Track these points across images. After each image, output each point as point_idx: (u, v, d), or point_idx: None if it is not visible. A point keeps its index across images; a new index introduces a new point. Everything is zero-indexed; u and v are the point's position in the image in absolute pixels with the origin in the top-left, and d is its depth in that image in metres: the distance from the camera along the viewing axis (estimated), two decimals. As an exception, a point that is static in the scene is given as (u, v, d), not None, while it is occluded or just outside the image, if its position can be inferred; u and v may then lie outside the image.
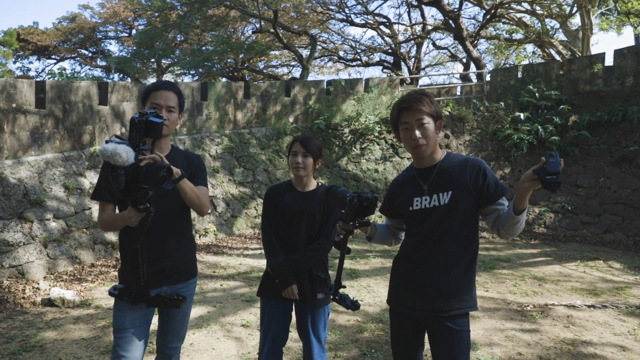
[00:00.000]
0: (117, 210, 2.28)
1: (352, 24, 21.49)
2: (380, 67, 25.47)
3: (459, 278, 2.06)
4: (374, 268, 7.13)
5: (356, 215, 2.05)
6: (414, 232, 2.16)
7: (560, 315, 5.11)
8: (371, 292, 5.86)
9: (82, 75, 20.49)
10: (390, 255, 8.24)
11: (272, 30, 17.37)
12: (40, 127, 7.52)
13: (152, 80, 24.30)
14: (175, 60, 22.57)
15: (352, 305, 2.19)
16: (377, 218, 9.41)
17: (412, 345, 2.19)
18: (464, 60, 22.63)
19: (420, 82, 24.07)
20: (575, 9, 16.35)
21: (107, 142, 1.85)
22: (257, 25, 18.79)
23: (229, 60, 22.85)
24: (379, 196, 2.07)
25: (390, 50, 23.56)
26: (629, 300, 5.75)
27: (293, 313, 2.77)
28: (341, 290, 2.25)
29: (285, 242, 2.70)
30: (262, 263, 7.23)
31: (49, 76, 19.70)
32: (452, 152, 2.18)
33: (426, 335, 2.17)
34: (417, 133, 2.06)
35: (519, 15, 19.11)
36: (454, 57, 24.96)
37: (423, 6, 20.88)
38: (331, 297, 2.25)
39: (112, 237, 7.39)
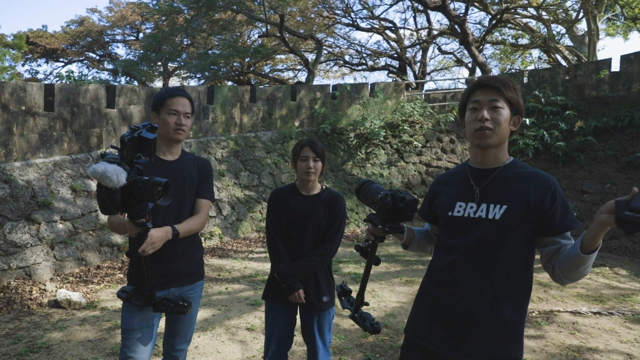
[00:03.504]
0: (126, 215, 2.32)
1: (358, 28, 21.54)
2: (386, 72, 25.52)
3: (507, 317, 1.66)
4: (379, 272, 7.13)
5: (388, 217, 1.74)
6: (451, 245, 1.75)
7: (566, 321, 5.09)
8: (375, 296, 5.86)
9: (90, 78, 20.66)
10: (395, 260, 8.22)
11: (278, 34, 17.46)
12: (48, 130, 7.59)
13: (158, 83, 24.47)
14: (182, 63, 22.71)
15: (372, 329, 1.88)
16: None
17: None
18: (470, 65, 22.64)
19: (426, 86, 24.07)
20: (581, 14, 16.32)
21: (103, 155, 1.82)
22: (264, 30, 18.88)
23: (235, 64, 22.96)
24: (419, 200, 1.74)
25: (395, 55, 23.61)
26: (635, 307, 5.71)
27: (297, 316, 2.78)
28: (363, 308, 1.98)
29: (290, 246, 2.70)
30: (267, 266, 7.24)
31: (57, 79, 19.87)
32: (520, 160, 1.81)
33: None
34: (486, 113, 1.68)
35: (525, 20, 19.10)
36: (459, 62, 24.97)
37: (429, 11, 20.92)
38: (350, 315, 1.97)
39: (118, 239, 7.44)
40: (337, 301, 2.62)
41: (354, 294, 2.09)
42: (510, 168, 1.74)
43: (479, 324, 1.65)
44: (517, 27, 19.90)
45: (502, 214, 1.65)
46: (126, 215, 1.98)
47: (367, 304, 1.99)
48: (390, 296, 5.97)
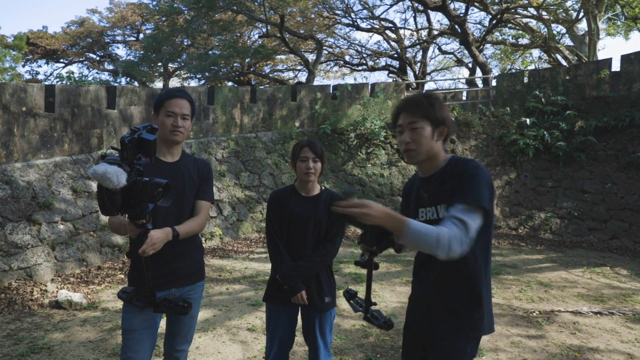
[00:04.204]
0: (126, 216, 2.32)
1: (358, 28, 21.54)
2: (386, 72, 25.52)
3: (456, 295, 1.90)
4: (379, 273, 7.13)
5: (379, 239, 1.88)
6: None
7: (567, 321, 5.09)
8: (376, 296, 5.86)
9: (90, 79, 20.66)
10: (395, 260, 8.24)
11: (278, 34, 17.47)
12: (49, 131, 7.60)
13: (159, 84, 24.49)
14: (182, 64, 22.73)
15: (385, 325, 2.03)
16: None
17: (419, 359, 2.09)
18: (470, 65, 22.62)
19: (426, 86, 24.07)
20: (581, 14, 16.32)
21: (103, 156, 1.82)
22: (264, 30, 18.89)
23: (235, 65, 22.98)
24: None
25: (396, 55, 23.61)
26: (636, 307, 5.71)
27: (299, 317, 2.78)
28: (372, 307, 2.13)
29: (292, 247, 2.70)
30: (268, 267, 7.25)
31: (58, 80, 19.89)
32: (457, 156, 1.99)
33: None
34: (407, 136, 1.89)
35: (525, 20, 19.10)
36: (459, 62, 24.96)
37: (429, 11, 20.92)
38: (363, 316, 2.11)
39: (119, 240, 7.44)
40: (337, 302, 2.63)
41: (360, 295, 2.23)
42: (447, 169, 1.91)
43: (437, 307, 1.93)
44: (517, 27, 19.90)
45: (444, 212, 1.84)
46: (126, 216, 1.98)
47: (375, 304, 2.13)
48: (391, 296, 5.97)
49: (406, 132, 1.90)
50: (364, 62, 24.93)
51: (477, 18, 38.79)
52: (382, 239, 1.88)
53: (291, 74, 27.32)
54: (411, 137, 1.89)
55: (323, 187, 2.84)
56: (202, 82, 22.93)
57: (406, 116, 1.91)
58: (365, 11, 21.71)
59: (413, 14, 22.97)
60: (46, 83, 16.24)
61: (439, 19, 32.49)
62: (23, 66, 24.69)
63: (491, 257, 1.96)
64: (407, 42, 23.49)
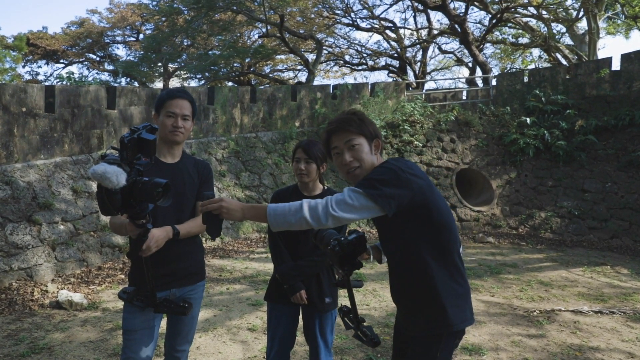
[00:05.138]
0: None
1: (358, 28, 21.53)
2: (386, 72, 25.50)
3: (412, 294, 1.94)
4: (380, 272, 7.13)
5: (342, 263, 1.93)
6: None
7: (567, 320, 5.09)
8: (377, 296, 5.86)
9: (90, 79, 20.65)
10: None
11: (278, 34, 17.46)
12: (49, 131, 7.60)
13: (159, 84, 24.50)
14: (182, 64, 22.73)
15: (371, 342, 2.06)
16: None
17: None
18: (470, 64, 22.62)
19: (426, 86, 24.06)
20: (581, 13, 16.31)
21: (103, 156, 1.82)
22: (264, 30, 18.89)
23: (235, 65, 22.98)
24: (364, 232, 1.99)
25: (396, 55, 23.59)
26: (636, 306, 5.71)
27: (300, 317, 2.78)
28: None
29: (292, 247, 2.71)
30: (268, 267, 7.25)
31: (57, 80, 19.89)
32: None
33: None
34: (347, 156, 1.90)
35: (525, 19, 19.09)
36: (459, 62, 24.95)
37: (429, 11, 20.92)
38: (354, 334, 2.16)
39: (119, 240, 7.44)
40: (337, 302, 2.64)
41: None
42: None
43: (405, 307, 2.01)
44: (517, 26, 19.89)
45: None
46: (126, 216, 1.98)
47: (364, 321, 2.17)
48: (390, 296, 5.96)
49: (345, 152, 1.91)
50: (364, 61, 24.93)
51: (477, 17, 38.84)
52: (345, 263, 1.92)
53: (291, 74, 27.34)
54: (352, 156, 1.90)
55: (325, 187, 2.85)
56: (202, 82, 22.94)
57: (340, 136, 1.92)
58: (365, 11, 21.72)
59: (413, 14, 23.00)
60: (46, 84, 16.26)
61: (438, 19, 32.49)
62: (23, 67, 24.72)
63: (453, 249, 1.92)
64: (407, 42, 23.49)
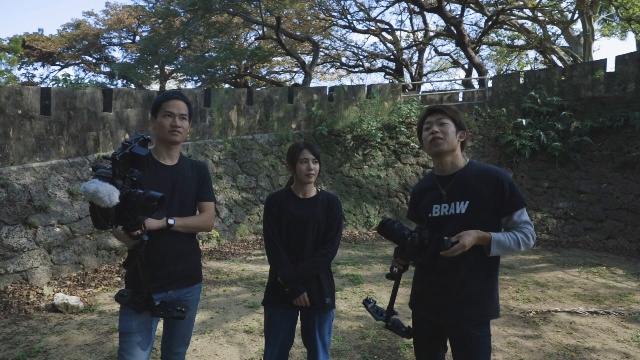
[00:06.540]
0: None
1: (355, 30, 21.57)
2: (383, 74, 25.56)
3: (479, 285, 2.14)
4: (376, 274, 7.14)
5: (417, 254, 2.11)
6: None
7: (563, 321, 5.11)
8: (374, 297, 5.87)
9: (86, 81, 20.59)
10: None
11: (274, 36, 17.47)
12: (45, 134, 7.58)
13: (155, 86, 24.45)
14: (179, 66, 22.69)
15: (407, 334, 2.28)
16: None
17: (434, 346, 2.31)
18: (466, 66, 22.70)
19: (423, 88, 24.12)
20: (576, 15, 16.40)
21: (94, 168, 1.79)
22: (260, 32, 18.90)
23: (231, 67, 22.96)
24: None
25: (392, 57, 23.64)
26: (632, 306, 5.74)
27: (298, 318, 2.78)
28: (393, 316, 2.39)
29: (291, 250, 2.69)
30: (265, 269, 7.24)
31: (54, 82, 19.82)
32: (475, 160, 2.29)
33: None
34: (435, 127, 2.20)
35: (520, 21, 19.16)
36: (455, 64, 25.02)
37: (425, 13, 20.99)
38: (385, 325, 2.37)
39: (115, 242, 7.42)
40: (335, 303, 2.65)
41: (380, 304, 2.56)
42: (467, 169, 2.21)
43: (460, 294, 2.14)
44: (512, 28, 19.97)
45: (466, 207, 2.13)
46: (122, 227, 1.95)
47: (396, 313, 2.42)
48: (387, 297, 5.96)
49: (434, 125, 2.21)
50: (361, 63, 24.97)
51: (472, 19, 38.98)
52: (419, 255, 2.11)
53: (288, 76, 27.35)
54: (439, 129, 2.20)
55: (319, 189, 2.85)
56: (199, 84, 22.90)
57: (436, 115, 2.24)
58: (361, 13, 21.74)
59: (409, 16, 22.99)
60: (42, 86, 16.21)
61: (435, 21, 32.62)
62: (19, 69, 24.60)
63: None
64: (403, 44, 23.54)
